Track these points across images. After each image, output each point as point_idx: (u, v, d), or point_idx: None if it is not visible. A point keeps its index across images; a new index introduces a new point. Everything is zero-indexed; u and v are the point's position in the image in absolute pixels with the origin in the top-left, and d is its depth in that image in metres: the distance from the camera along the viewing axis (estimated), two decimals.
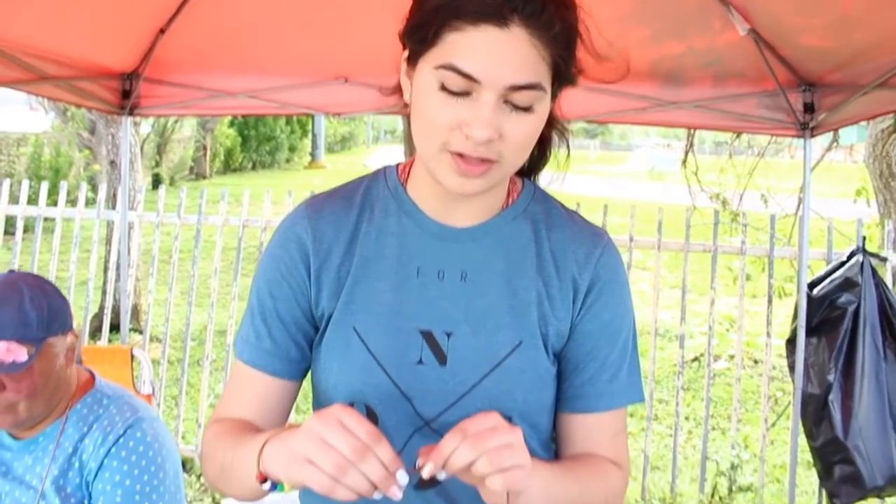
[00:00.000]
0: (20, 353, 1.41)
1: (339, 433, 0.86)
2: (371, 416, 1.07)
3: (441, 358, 1.05)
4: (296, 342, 1.11)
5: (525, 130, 0.95)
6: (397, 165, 1.15)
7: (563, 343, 1.09)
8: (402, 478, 0.88)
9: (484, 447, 0.86)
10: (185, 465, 3.97)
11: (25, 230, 4.81)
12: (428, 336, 1.06)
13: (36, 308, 1.46)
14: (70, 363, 1.55)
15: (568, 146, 1.13)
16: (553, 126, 1.09)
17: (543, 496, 0.98)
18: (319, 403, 1.14)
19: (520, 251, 1.08)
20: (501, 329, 1.05)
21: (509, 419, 1.04)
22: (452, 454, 0.87)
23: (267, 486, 0.95)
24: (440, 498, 1.09)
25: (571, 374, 1.10)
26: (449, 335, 1.06)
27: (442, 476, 0.88)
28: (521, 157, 0.99)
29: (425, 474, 0.88)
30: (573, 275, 1.08)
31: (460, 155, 0.95)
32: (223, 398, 1.16)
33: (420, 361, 1.05)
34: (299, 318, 1.11)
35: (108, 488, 1.46)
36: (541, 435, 1.13)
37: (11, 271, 1.52)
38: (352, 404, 1.07)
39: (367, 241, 1.09)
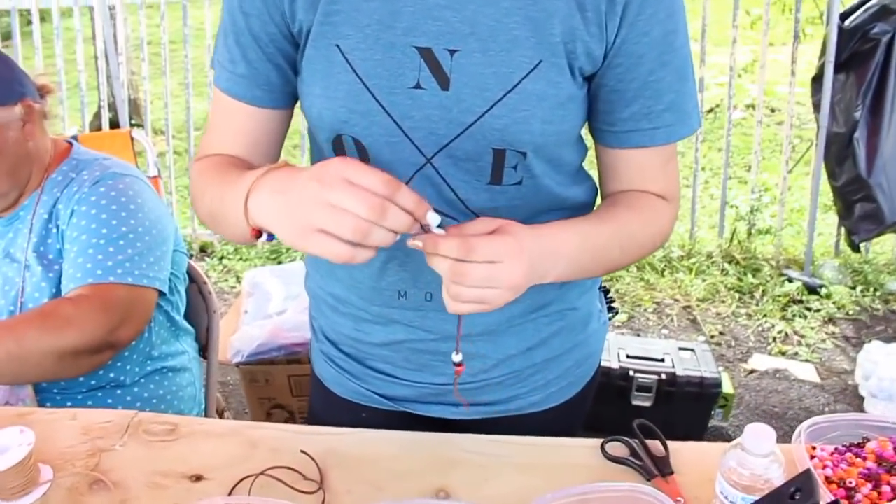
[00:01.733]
0: None
1: (349, 194, 0.74)
2: (361, 152, 0.95)
3: (443, 81, 0.90)
4: (275, 64, 0.97)
5: None
6: None
7: (596, 66, 0.92)
8: (433, 218, 0.80)
9: (460, 275, 0.80)
10: (206, 249, 4.00)
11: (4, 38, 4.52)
12: (427, 54, 0.89)
13: None
14: (31, 135, 1.45)
15: None
16: None
17: (577, 262, 0.92)
18: (311, 131, 1.03)
19: None
20: (517, 45, 0.88)
21: (523, 154, 0.94)
22: (434, 257, 0.81)
23: (264, 237, 0.86)
24: None
25: (618, 106, 0.95)
26: (452, 53, 0.89)
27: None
28: None
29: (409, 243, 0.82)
30: None
31: None
32: (206, 133, 1.04)
33: (417, 86, 0.90)
34: (275, 36, 0.95)
35: (73, 235, 1.43)
36: (565, 169, 1.02)
37: None
38: (339, 138, 0.95)
39: None
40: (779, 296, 3.39)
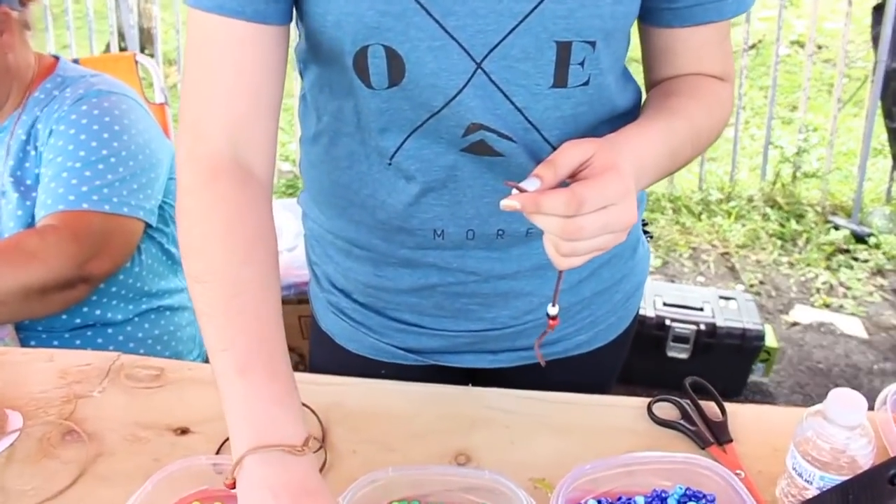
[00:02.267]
0: None
1: None
2: (395, 62, 0.77)
3: None
4: None
5: None
6: None
7: None
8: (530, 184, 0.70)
9: (575, 231, 0.68)
10: None
11: None
12: None
13: None
14: (9, 47, 1.31)
15: None
16: None
17: (659, 168, 0.82)
18: (314, 50, 0.84)
19: None
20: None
21: (591, 45, 0.77)
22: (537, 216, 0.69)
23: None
24: (486, 177, 0.86)
25: None
26: None
27: None
28: None
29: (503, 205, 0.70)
30: None
31: None
32: (191, 81, 0.81)
33: None
34: None
35: (49, 157, 1.29)
36: (621, 65, 0.88)
37: None
38: (364, 51, 0.77)
39: None
40: (824, 244, 3.20)
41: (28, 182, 1.32)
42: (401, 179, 0.86)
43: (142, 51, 4.11)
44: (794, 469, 0.79)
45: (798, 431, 0.79)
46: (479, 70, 0.77)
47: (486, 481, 0.80)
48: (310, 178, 0.99)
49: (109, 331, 1.40)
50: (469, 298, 0.95)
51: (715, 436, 0.90)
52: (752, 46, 5.16)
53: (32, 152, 1.32)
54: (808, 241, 3.23)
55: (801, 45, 5.22)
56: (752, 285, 2.99)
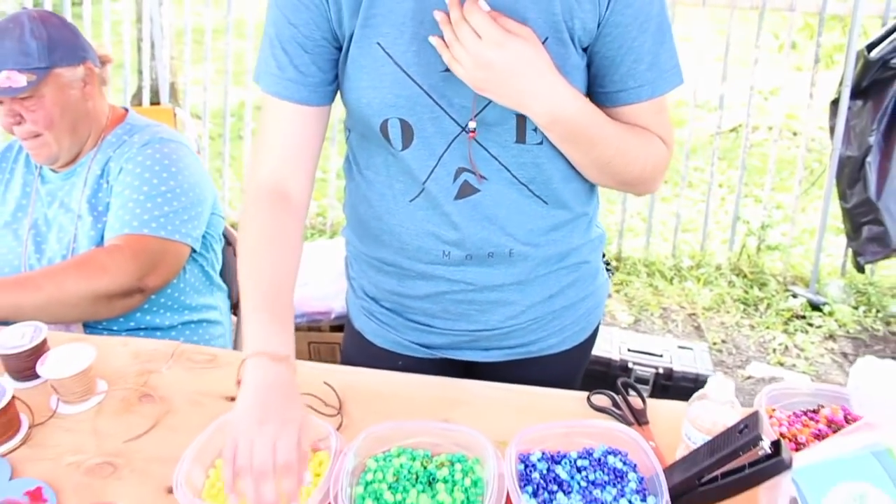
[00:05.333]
0: (18, 80, 1.50)
1: (264, 449, 0.94)
2: (407, 130, 1.11)
3: None
4: (319, 67, 1.11)
5: None
6: None
7: (592, 38, 1.07)
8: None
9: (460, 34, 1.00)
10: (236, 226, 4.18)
11: None
12: None
13: (36, 38, 1.53)
14: (90, 97, 1.63)
15: None
16: None
17: (572, 117, 1.06)
18: (353, 121, 1.18)
19: None
20: (527, 25, 1.03)
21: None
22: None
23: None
24: (476, 210, 1.17)
25: (609, 70, 1.10)
26: None
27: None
28: None
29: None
30: None
31: None
32: (259, 135, 1.17)
33: (447, 69, 1.06)
34: (320, 42, 1.10)
35: (118, 190, 1.60)
36: None
37: (24, 8, 1.57)
38: (385, 122, 1.11)
39: None
40: (783, 310, 3.51)
41: (100, 209, 1.62)
42: (419, 212, 1.18)
43: (168, 103, 4.46)
44: (686, 436, 1.09)
45: (690, 410, 1.09)
46: (464, 132, 1.11)
47: (463, 435, 1.09)
48: (351, 214, 1.32)
49: (157, 334, 1.68)
50: (468, 305, 1.27)
51: (636, 418, 1.20)
52: (733, 129, 5.57)
53: (105, 185, 1.63)
54: (768, 306, 3.54)
55: (780, 131, 5.61)
56: (714, 343, 3.28)
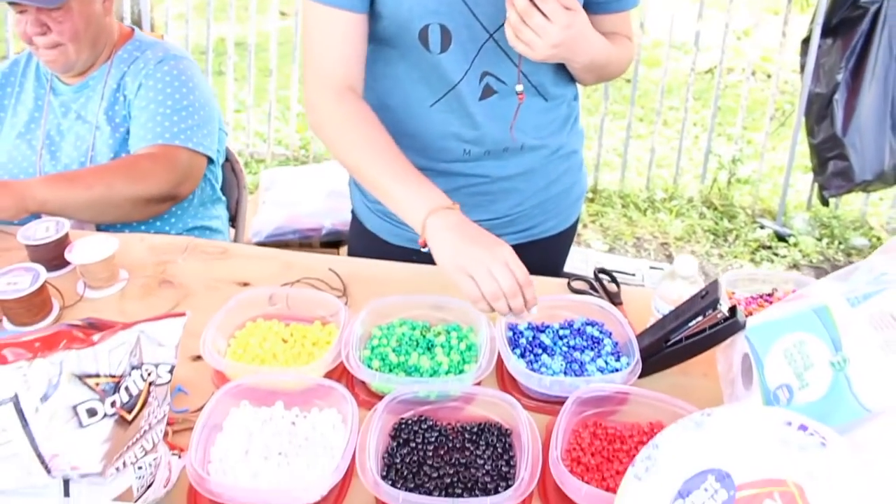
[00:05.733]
0: None
1: (504, 272, 1.08)
2: (445, 35, 1.23)
3: None
4: None
5: None
6: None
7: None
8: (535, 312, 1.13)
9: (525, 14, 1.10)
10: None
11: None
12: None
13: None
14: (108, 13, 1.72)
15: None
16: None
17: (593, 60, 1.24)
18: (382, 31, 1.27)
19: None
20: None
21: None
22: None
23: (425, 250, 1.16)
24: (495, 109, 1.30)
25: None
26: None
27: None
28: None
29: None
30: None
31: None
32: (308, 52, 1.26)
33: None
34: None
35: (142, 104, 1.70)
36: None
37: None
38: (426, 28, 1.22)
39: None
40: (750, 240, 3.68)
41: (117, 120, 1.71)
42: (440, 115, 1.31)
43: None
44: (656, 309, 1.23)
45: (658, 287, 1.23)
46: (491, 38, 1.24)
47: (458, 307, 1.22)
48: None
49: None
50: (482, 196, 1.42)
51: (611, 299, 1.34)
52: (708, 71, 5.69)
53: (122, 98, 1.72)
54: (737, 237, 3.71)
55: (753, 73, 5.74)
56: None
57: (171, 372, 0.80)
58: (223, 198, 1.99)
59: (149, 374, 0.77)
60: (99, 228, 1.74)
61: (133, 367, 0.74)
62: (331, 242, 2.45)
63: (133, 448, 0.78)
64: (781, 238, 3.71)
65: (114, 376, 0.72)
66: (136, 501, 0.83)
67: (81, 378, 0.69)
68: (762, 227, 3.77)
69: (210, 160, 1.78)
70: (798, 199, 4.04)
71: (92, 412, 0.71)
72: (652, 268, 2.76)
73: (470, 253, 1.09)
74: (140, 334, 0.77)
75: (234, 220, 2.09)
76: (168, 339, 0.79)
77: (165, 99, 1.69)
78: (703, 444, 0.81)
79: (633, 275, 2.69)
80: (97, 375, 0.70)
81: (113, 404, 0.72)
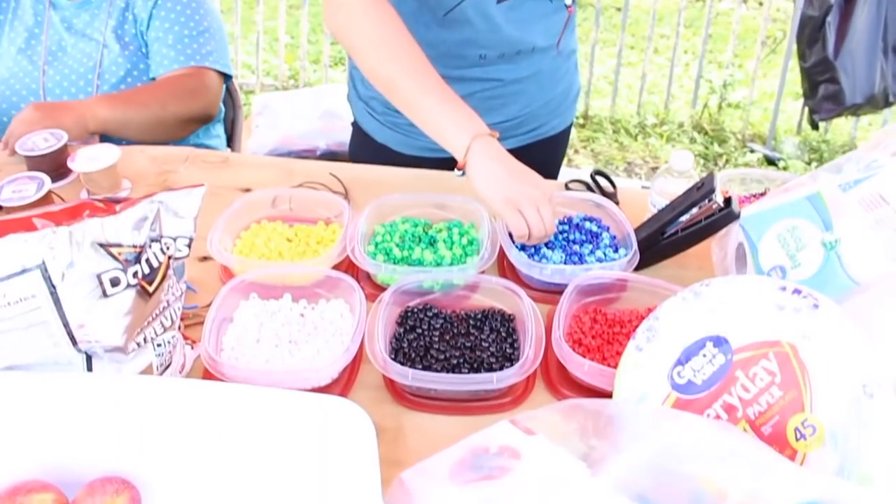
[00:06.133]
0: None
1: (549, 212, 1.11)
2: None
3: None
4: None
5: None
6: None
7: None
8: None
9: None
10: None
11: None
12: None
13: None
14: None
15: None
16: None
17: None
18: None
19: None
20: None
21: None
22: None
23: (459, 173, 1.16)
24: (510, 12, 1.32)
25: None
26: None
27: None
28: None
29: None
30: None
31: None
32: None
33: None
34: None
35: (165, 25, 1.69)
36: None
37: None
38: None
39: None
40: (740, 164, 3.70)
41: (126, 39, 1.70)
42: (455, 24, 1.31)
43: None
44: (652, 204, 1.26)
45: (655, 183, 1.26)
46: None
47: (460, 205, 1.25)
48: None
49: None
50: (494, 99, 1.44)
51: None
52: None
53: (130, 17, 1.70)
54: (727, 161, 3.73)
55: (745, 0, 5.69)
56: None
57: (188, 245, 0.82)
58: (221, 117, 1.99)
59: (168, 248, 0.79)
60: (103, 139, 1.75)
61: (153, 240, 0.77)
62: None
63: (153, 324, 0.80)
64: (771, 162, 3.73)
65: (136, 246, 0.74)
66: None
67: (105, 247, 0.72)
68: (752, 151, 3.79)
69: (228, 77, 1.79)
70: (788, 124, 4.05)
71: (115, 281, 0.73)
72: (644, 187, 2.79)
73: (521, 190, 1.11)
74: (160, 205, 0.79)
75: (230, 141, 2.09)
76: (186, 211, 0.81)
77: (187, 21, 1.70)
78: (701, 312, 0.84)
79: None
80: (120, 245, 0.73)
81: (135, 275, 0.75)
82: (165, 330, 0.83)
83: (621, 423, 0.70)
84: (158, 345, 0.82)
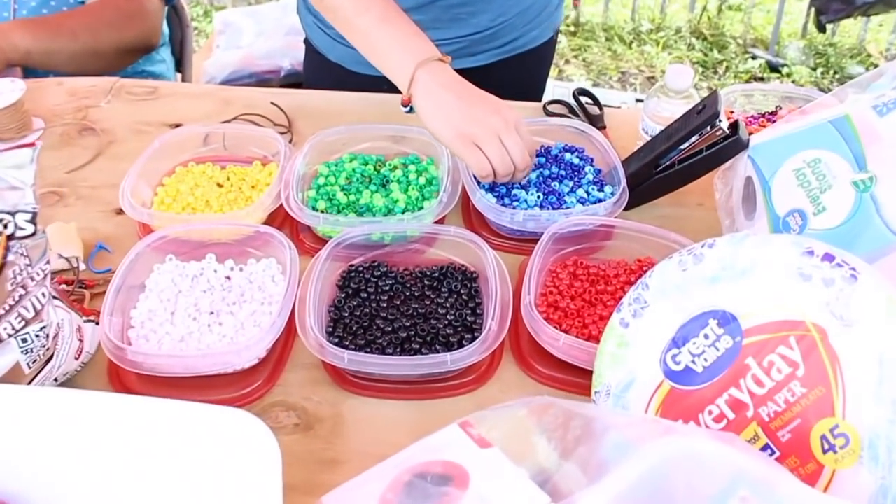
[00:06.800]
0: None
1: (515, 139, 0.92)
2: None
3: None
4: None
5: None
6: None
7: None
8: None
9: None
10: None
11: None
12: None
13: None
14: None
15: None
16: None
17: None
18: None
19: None
20: None
21: None
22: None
23: (406, 109, 0.97)
24: None
25: None
26: None
27: None
28: None
29: None
30: None
31: None
32: None
33: None
34: None
35: None
36: None
37: None
38: None
39: None
40: (741, 72, 3.47)
41: None
42: None
43: None
44: (643, 130, 1.07)
45: (647, 104, 1.07)
46: None
47: (416, 134, 1.06)
48: None
49: None
50: (459, 8, 1.22)
51: (593, 124, 1.18)
52: None
53: None
54: (727, 68, 3.50)
55: None
56: None
57: (33, 221, 0.64)
58: (167, 40, 1.77)
59: (4, 226, 0.61)
60: (27, 73, 1.54)
61: None
62: (292, 85, 2.23)
63: (7, 318, 0.63)
64: (774, 69, 3.49)
65: None
66: (33, 380, 0.70)
67: None
68: (754, 57, 3.55)
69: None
70: (792, 27, 3.79)
71: None
72: (638, 100, 2.58)
73: (476, 117, 0.92)
74: None
75: (179, 65, 1.88)
76: (22, 178, 0.63)
77: None
78: (702, 281, 0.67)
79: (619, 108, 2.51)
80: None
81: None
82: (28, 323, 0.66)
83: (599, 439, 0.54)
84: (24, 340, 0.66)
